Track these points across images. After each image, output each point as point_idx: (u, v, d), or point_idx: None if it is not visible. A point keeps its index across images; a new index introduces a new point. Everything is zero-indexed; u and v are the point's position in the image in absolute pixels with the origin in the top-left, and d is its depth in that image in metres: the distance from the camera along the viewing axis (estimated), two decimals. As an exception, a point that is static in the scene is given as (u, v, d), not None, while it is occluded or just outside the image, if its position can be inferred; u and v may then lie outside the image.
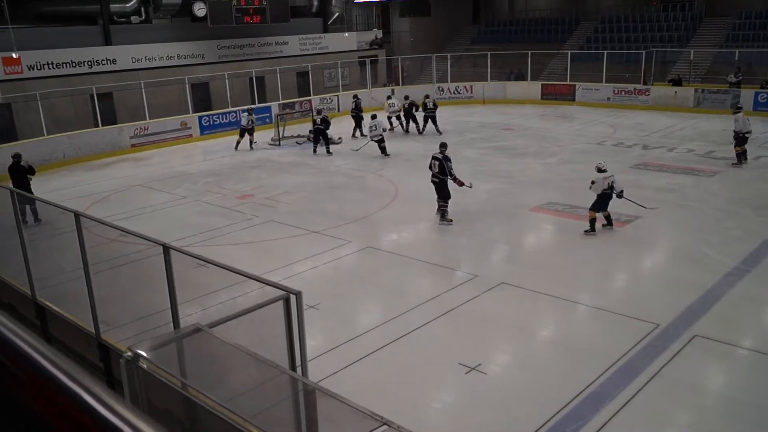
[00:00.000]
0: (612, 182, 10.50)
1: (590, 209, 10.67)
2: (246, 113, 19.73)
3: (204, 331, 3.89)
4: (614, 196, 10.54)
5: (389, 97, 21.39)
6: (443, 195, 11.42)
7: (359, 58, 29.39)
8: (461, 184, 11.33)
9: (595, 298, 8.37)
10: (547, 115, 23.45)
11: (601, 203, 10.60)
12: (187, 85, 21.97)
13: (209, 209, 13.13)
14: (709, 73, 25.95)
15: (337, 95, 25.50)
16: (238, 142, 19.43)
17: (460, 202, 12.21)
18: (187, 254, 4.74)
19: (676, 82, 24.06)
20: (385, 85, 29.10)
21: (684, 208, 11.84)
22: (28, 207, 10.10)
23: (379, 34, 32.19)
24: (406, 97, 21.01)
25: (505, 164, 15.80)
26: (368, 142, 18.20)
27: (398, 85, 27.73)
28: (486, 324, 7.72)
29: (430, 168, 11.59)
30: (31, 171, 12.67)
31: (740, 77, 22.66)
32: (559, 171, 15.05)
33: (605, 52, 25.26)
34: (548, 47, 30.63)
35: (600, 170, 10.61)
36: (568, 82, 25.66)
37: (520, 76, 28.00)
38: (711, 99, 22.45)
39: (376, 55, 30.51)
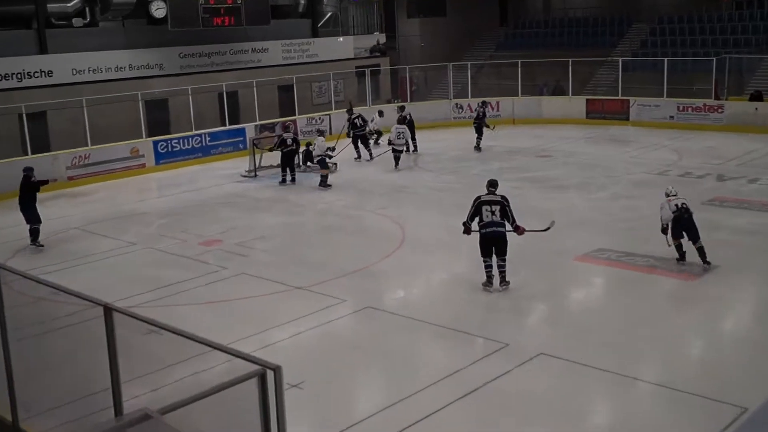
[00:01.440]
0: (684, 204, 11.25)
1: (672, 236, 11.34)
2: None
3: (155, 419, 3.82)
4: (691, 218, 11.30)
5: (380, 114, 22.36)
6: (505, 251, 10.75)
7: (357, 68, 29.83)
8: (523, 232, 10.82)
9: (660, 372, 8.28)
10: (593, 137, 23.61)
11: (685, 229, 11.23)
12: (140, 103, 22.24)
13: (165, 259, 13.14)
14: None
15: (329, 114, 25.78)
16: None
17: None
18: (135, 317, 4.70)
19: (757, 97, 24.27)
20: (389, 101, 29.45)
21: (771, 256, 11.89)
22: None
23: (382, 38, 32.77)
24: (401, 108, 22.29)
25: (541, 200, 15.84)
26: (389, 150, 19.86)
27: (406, 101, 28.05)
28: (520, 408, 7.61)
29: (478, 218, 10.79)
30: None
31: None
32: (610, 209, 15.07)
33: (666, 59, 25.55)
34: (594, 53, 31.01)
35: (668, 195, 11.49)
36: (619, 97, 25.86)
37: (559, 90, 28.32)
38: (802, 118, 22.72)
39: (378, 65, 30.96)
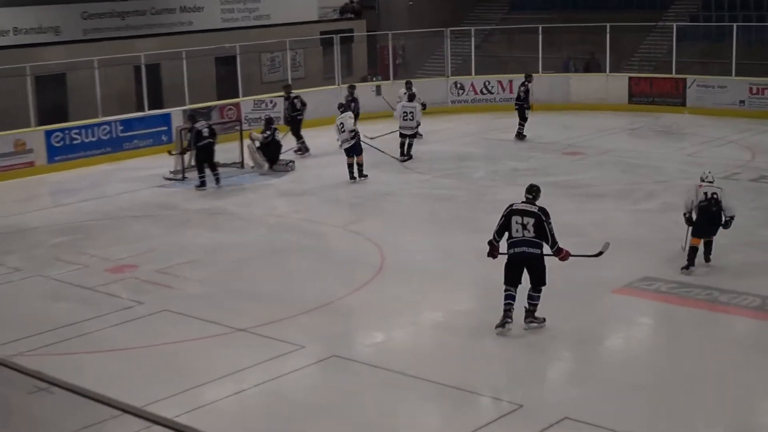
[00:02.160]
0: (715, 195, 12.29)
1: (693, 234, 12.48)
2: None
3: None
4: (722, 222, 12.43)
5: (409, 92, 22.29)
6: (541, 280, 10.75)
7: (322, 34, 29.89)
8: (568, 256, 10.84)
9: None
10: (639, 129, 23.79)
11: (704, 226, 12.40)
12: (27, 80, 22.13)
13: (61, 290, 13.04)
14: None
15: (283, 96, 25.73)
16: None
17: (489, 279, 12.22)
18: (17, 370, 4.68)
19: None
20: (366, 79, 29.51)
21: None
22: None
23: (358, -6, 32.99)
24: (409, 85, 22.73)
25: (570, 212, 15.80)
26: (394, 132, 20.84)
27: (389, 79, 28.14)
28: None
29: (507, 233, 10.77)
30: None
31: None
32: (661, 224, 15.16)
33: (735, 24, 25.79)
34: (638, 17, 31.23)
35: (703, 180, 12.64)
36: (673, 75, 26.14)
37: (594, 65, 28.49)
38: None
39: (351, 30, 31.01)
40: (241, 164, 20.49)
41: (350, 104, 22.06)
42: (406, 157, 20.57)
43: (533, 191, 10.95)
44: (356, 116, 21.37)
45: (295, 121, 22.16)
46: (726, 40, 25.52)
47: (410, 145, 20.83)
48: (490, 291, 11.69)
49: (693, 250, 12.42)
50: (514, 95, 23.58)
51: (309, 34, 29.55)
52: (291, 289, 12.76)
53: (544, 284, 10.68)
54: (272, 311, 11.71)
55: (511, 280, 10.68)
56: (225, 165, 19.77)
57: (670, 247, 13.82)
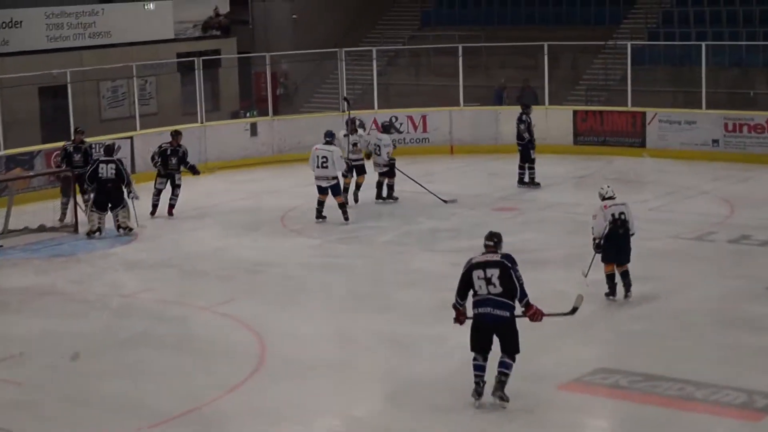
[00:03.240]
0: (622, 215, 14.49)
1: (603, 261, 14.68)
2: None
3: None
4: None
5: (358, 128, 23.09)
6: (513, 347, 11.29)
7: (180, 56, 29.83)
8: (540, 316, 11.43)
9: None
10: (587, 176, 24.13)
11: (616, 249, 14.52)
12: None
13: None
14: None
15: (131, 137, 25.65)
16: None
17: (400, 372, 12.20)
18: None
19: None
20: (238, 115, 29.48)
21: None
22: None
23: (225, 5, 33.09)
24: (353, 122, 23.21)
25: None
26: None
27: (267, 114, 28.07)
28: None
29: (472, 291, 11.36)
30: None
31: None
32: (619, 299, 15.35)
33: (703, 44, 26.27)
34: (584, 35, 31.60)
35: (603, 198, 14.73)
36: (629, 108, 26.61)
37: (529, 96, 28.77)
38: None
39: (219, 51, 31.03)
40: (75, 228, 20.25)
41: (175, 155, 21.89)
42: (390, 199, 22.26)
43: (494, 238, 11.53)
44: (179, 166, 21.61)
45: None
46: (694, 61, 26.07)
47: (390, 186, 22.16)
48: (402, 388, 11.70)
49: (610, 278, 14.73)
50: (429, 136, 23.80)
51: (163, 57, 29.47)
52: (142, 392, 12.49)
53: (517, 351, 11.15)
54: (117, 422, 11.54)
55: (479, 347, 11.20)
56: (52, 229, 19.55)
57: (630, 330, 14.00)
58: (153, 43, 29.82)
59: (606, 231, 14.40)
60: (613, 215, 14.30)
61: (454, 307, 11.46)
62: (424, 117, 27.23)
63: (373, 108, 27.83)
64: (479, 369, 11.14)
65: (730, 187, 22.52)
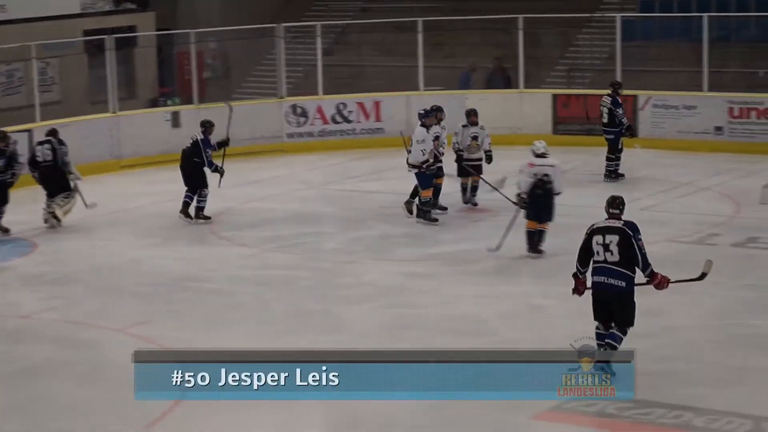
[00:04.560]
0: (546, 176, 17.09)
1: (525, 217, 17.38)
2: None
3: None
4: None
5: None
6: (626, 319, 12.45)
7: (88, 34, 29.75)
8: (667, 283, 12.46)
9: None
10: (570, 171, 24.23)
11: (537, 207, 17.42)
12: None
13: None
14: None
15: (28, 129, 25.50)
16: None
17: (348, 403, 12.26)
18: None
19: None
20: (157, 103, 29.46)
21: None
22: None
23: (140, -23, 33.09)
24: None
25: (467, 300, 16.24)
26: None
27: (194, 103, 28.07)
28: None
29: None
30: None
31: None
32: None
33: (705, 15, 26.60)
34: (566, 7, 31.74)
35: (536, 154, 17.41)
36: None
37: (500, 79, 29.04)
38: None
39: (134, 28, 31.00)
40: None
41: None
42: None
43: (619, 205, 12.50)
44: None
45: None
46: (694, 37, 26.25)
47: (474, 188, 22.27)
48: (348, 419, 11.76)
49: (530, 234, 17.67)
50: (383, 126, 23.61)
51: (68, 35, 29.38)
52: (42, 428, 12.44)
53: (630, 324, 12.32)
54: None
55: (597, 315, 12.48)
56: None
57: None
58: (56, 18, 29.69)
59: (528, 188, 16.98)
60: (535, 174, 16.96)
61: (574, 276, 12.57)
62: (377, 103, 27.33)
63: (317, 93, 27.89)
64: (599, 338, 12.23)
65: (736, 181, 22.68)
